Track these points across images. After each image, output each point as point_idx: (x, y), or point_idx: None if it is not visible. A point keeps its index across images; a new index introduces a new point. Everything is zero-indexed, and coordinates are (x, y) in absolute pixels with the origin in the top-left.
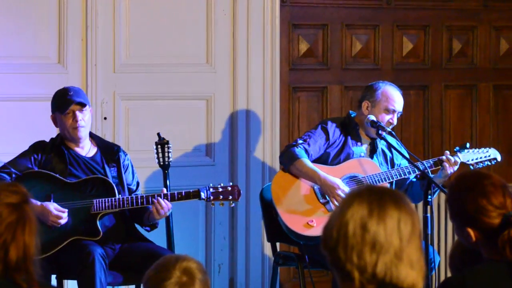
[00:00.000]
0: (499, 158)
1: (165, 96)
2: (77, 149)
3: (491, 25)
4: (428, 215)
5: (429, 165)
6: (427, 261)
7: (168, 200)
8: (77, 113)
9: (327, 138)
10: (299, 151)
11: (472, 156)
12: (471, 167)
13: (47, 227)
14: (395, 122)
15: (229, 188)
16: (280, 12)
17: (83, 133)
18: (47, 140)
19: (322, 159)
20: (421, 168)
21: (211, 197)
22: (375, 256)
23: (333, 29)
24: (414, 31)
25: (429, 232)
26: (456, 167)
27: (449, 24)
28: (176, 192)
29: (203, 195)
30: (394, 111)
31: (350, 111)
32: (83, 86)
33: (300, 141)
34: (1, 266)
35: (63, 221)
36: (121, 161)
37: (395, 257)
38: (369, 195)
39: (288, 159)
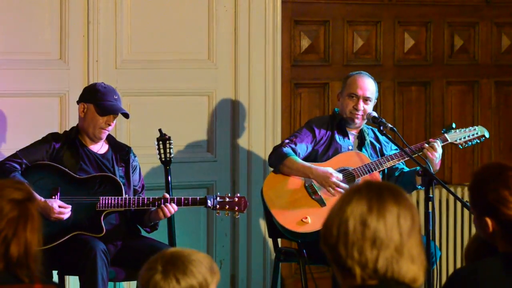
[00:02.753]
0: (487, 135)
1: (166, 92)
2: (90, 146)
3: (492, 21)
4: (430, 211)
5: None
6: (428, 256)
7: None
8: (113, 119)
9: (314, 136)
10: (287, 150)
11: (460, 135)
12: (460, 146)
13: (51, 220)
14: (361, 108)
15: (236, 199)
16: (282, 8)
17: (106, 135)
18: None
19: (311, 158)
20: (415, 158)
21: (217, 206)
22: (375, 252)
23: (335, 25)
24: (416, 27)
25: (431, 228)
26: (439, 152)
27: (451, 20)
28: (183, 198)
29: (209, 203)
30: (357, 96)
31: (335, 108)
32: (85, 82)
33: (287, 141)
34: (2, 261)
35: (66, 216)
36: (130, 162)
37: (395, 252)
38: (368, 191)
39: (277, 159)
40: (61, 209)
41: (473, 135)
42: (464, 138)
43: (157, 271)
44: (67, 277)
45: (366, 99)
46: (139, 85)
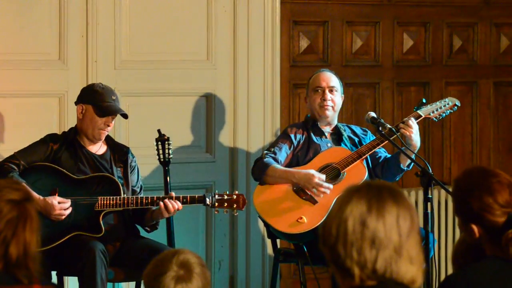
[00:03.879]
0: (458, 103)
1: (165, 93)
2: (89, 146)
3: (491, 22)
4: (429, 211)
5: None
6: (427, 256)
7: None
8: (111, 120)
9: (291, 142)
10: (268, 160)
11: (432, 108)
12: (435, 119)
13: (50, 220)
14: (329, 98)
15: (235, 197)
16: (281, 8)
17: (104, 136)
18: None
19: (293, 163)
20: (407, 154)
21: (216, 204)
22: (374, 252)
23: (334, 26)
24: (415, 28)
25: (430, 229)
26: (415, 127)
27: (450, 21)
28: (181, 196)
29: (208, 201)
30: (321, 88)
31: (307, 115)
32: (84, 83)
33: (265, 152)
34: (1, 262)
35: (67, 212)
36: (129, 162)
37: (394, 253)
38: (368, 191)
39: (259, 171)
40: (62, 204)
41: (444, 106)
42: (437, 110)
43: (170, 273)
44: (66, 278)
45: (331, 89)
46: (138, 86)
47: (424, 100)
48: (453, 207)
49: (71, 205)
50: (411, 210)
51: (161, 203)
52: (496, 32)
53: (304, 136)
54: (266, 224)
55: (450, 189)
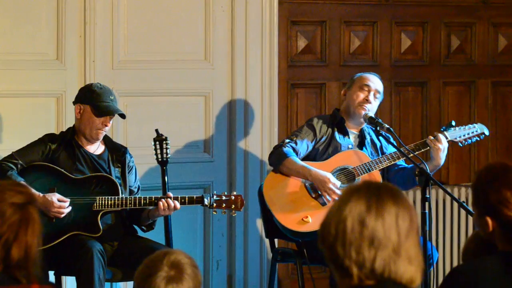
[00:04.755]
0: (487, 133)
1: (163, 93)
2: (87, 146)
3: (489, 22)
4: (427, 211)
5: (416, 149)
6: (425, 257)
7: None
8: (109, 120)
9: (314, 135)
10: (287, 150)
11: (459, 133)
12: (460, 144)
13: (48, 219)
14: (372, 101)
15: (233, 198)
16: (279, 8)
17: (102, 135)
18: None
19: (311, 156)
20: (410, 158)
21: (214, 205)
22: (373, 252)
23: (332, 26)
24: (413, 28)
25: (428, 229)
26: (444, 144)
27: (448, 21)
28: (179, 196)
29: (206, 201)
30: (369, 88)
31: (337, 108)
32: (82, 83)
33: (287, 141)
34: (1, 264)
35: (66, 211)
36: (127, 162)
37: (393, 253)
38: (367, 191)
39: (277, 159)
40: (61, 203)
41: (472, 132)
42: (464, 136)
43: (161, 273)
44: (64, 278)
45: (375, 94)
46: (136, 86)
47: (453, 123)
48: (471, 199)
49: (69, 205)
50: (410, 210)
51: (160, 203)
52: (494, 32)
53: (328, 131)
54: (269, 214)
55: (448, 189)
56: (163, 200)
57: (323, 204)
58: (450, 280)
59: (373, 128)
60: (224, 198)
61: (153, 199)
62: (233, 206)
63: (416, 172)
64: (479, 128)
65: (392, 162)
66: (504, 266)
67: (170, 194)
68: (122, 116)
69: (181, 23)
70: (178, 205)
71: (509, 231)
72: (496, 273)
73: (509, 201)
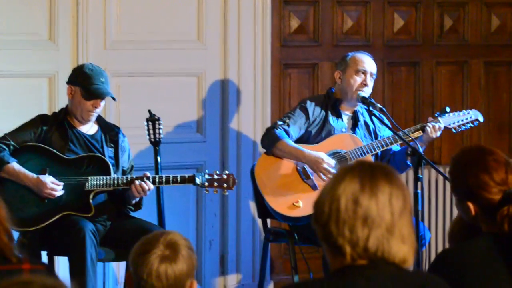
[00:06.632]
0: (481, 119)
1: (156, 73)
2: (79, 127)
3: (482, 2)
4: (419, 191)
5: (411, 132)
6: (417, 237)
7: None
8: (100, 101)
9: (307, 117)
10: (280, 132)
11: (454, 119)
12: (454, 130)
13: (40, 200)
14: (369, 84)
15: (225, 176)
16: None
17: (94, 117)
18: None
19: (303, 139)
20: (402, 137)
21: (206, 183)
22: (367, 231)
23: (324, 6)
24: (405, 8)
25: (420, 209)
26: (439, 133)
27: (440, 1)
28: (171, 176)
29: (198, 180)
30: (365, 71)
31: (331, 88)
32: (74, 63)
33: (280, 123)
34: None
35: (58, 193)
36: (120, 142)
37: (386, 232)
38: (361, 170)
39: (269, 142)
40: (54, 185)
41: (466, 119)
42: (458, 122)
43: (156, 251)
44: (56, 258)
45: (371, 75)
46: (128, 66)
47: (448, 109)
48: (450, 185)
49: (62, 188)
50: (404, 190)
51: (133, 186)
52: (487, 12)
53: (321, 114)
54: (260, 196)
55: (441, 169)
56: (135, 182)
57: (314, 187)
58: (439, 263)
59: (366, 108)
60: (216, 176)
61: (129, 179)
62: (225, 185)
63: (408, 152)
64: (474, 115)
65: (385, 148)
66: (490, 246)
67: (148, 174)
68: (113, 98)
69: (173, 3)
70: (151, 186)
71: (492, 213)
72: (483, 253)
73: (488, 184)
